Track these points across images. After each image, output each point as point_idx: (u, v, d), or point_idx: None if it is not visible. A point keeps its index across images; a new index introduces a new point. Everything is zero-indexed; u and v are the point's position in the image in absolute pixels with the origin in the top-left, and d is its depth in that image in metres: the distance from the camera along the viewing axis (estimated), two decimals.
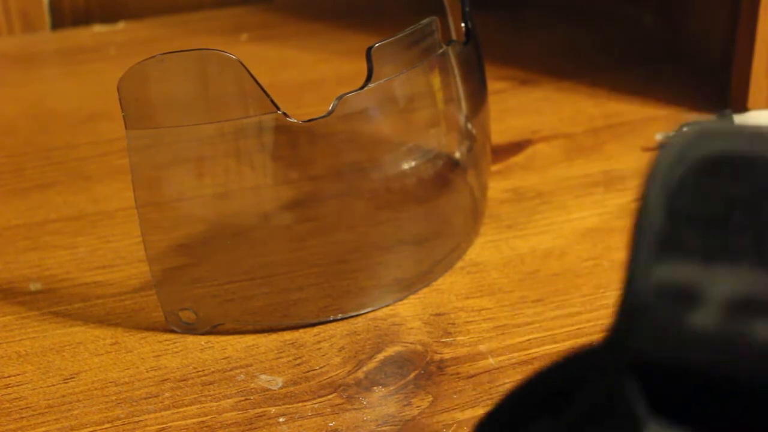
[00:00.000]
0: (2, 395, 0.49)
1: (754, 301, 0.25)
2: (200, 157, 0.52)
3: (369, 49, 0.49)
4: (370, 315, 0.54)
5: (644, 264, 0.25)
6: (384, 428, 0.47)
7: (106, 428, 0.47)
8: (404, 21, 0.52)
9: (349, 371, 0.50)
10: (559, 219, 0.60)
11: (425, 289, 0.55)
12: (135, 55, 0.50)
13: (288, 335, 0.52)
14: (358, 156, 0.55)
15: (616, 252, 0.58)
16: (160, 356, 0.51)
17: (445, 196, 0.58)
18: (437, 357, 0.51)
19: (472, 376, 0.50)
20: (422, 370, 0.50)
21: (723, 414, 0.26)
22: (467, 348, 0.51)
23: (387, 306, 0.54)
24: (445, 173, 0.58)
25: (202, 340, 0.52)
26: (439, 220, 0.58)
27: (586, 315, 0.53)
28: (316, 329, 0.53)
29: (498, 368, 0.50)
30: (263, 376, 0.50)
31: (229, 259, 0.55)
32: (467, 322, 0.53)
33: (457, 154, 0.58)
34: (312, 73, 0.79)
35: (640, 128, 0.69)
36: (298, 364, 0.50)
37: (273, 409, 0.48)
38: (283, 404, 0.48)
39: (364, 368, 0.50)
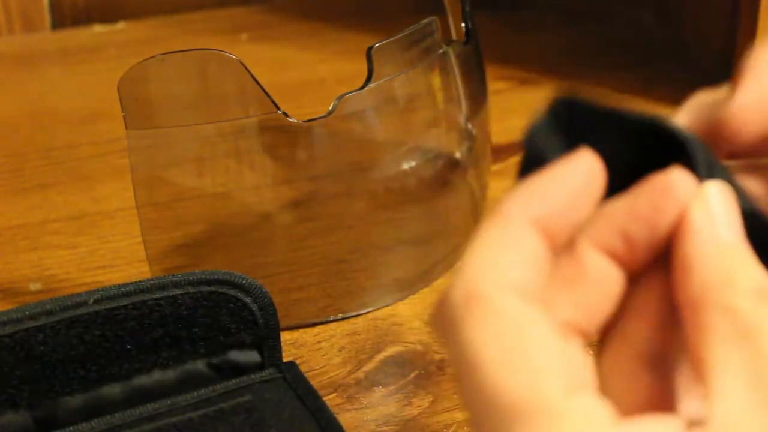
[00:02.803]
0: None
1: None
2: (200, 157, 0.52)
3: (369, 49, 0.49)
4: (370, 315, 0.53)
5: None
6: (384, 428, 0.47)
7: None
8: (404, 21, 0.52)
9: (350, 371, 0.50)
10: None
11: (425, 289, 0.55)
12: (135, 55, 0.50)
13: (288, 335, 0.52)
14: (358, 156, 0.55)
15: None
16: None
17: (445, 196, 0.58)
18: (437, 357, 0.51)
19: None
20: (422, 370, 0.50)
21: None
22: None
23: (387, 306, 0.54)
24: (445, 173, 0.58)
25: None
26: (439, 220, 0.58)
27: None
28: (316, 329, 0.53)
29: None
30: None
31: (229, 259, 0.55)
32: None
33: (457, 154, 0.58)
34: (312, 73, 0.79)
35: None
36: (299, 364, 0.50)
37: None
38: None
39: (365, 368, 0.50)
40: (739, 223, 0.27)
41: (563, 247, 0.27)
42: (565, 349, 0.26)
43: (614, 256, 0.27)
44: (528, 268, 0.27)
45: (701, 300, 0.26)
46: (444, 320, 0.27)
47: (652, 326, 0.27)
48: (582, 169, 0.27)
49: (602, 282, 0.27)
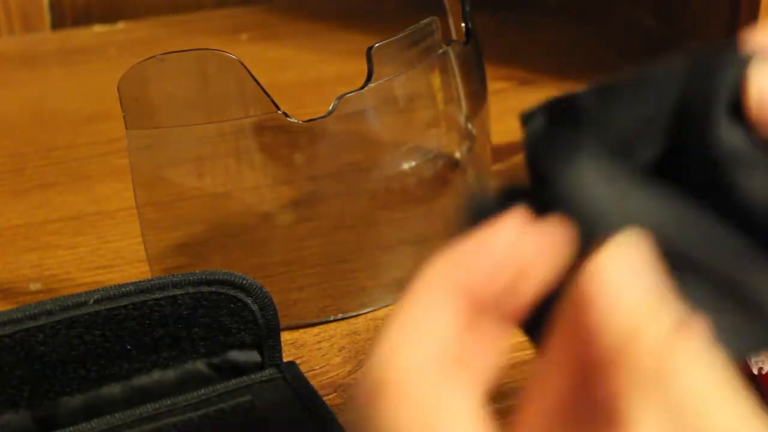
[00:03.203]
0: None
1: None
2: (200, 157, 0.52)
3: (369, 49, 0.49)
4: (371, 315, 0.53)
5: None
6: None
7: None
8: (404, 21, 0.52)
9: (350, 371, 0.50)
10: None
11: None
12: (135, 55, 0.50)
13: (288, 335, 0.52)
14: (358, 156, 0.55)
15: None
16: None
17: (445, 196, 0.58)
18: None
19: None
20: None
21: None
22: None
23: (387, 306, 0.54)
24: (445, 173, 0.58)
25: None
26: (439, 220, 0.58)
27: None
28: (316, 329, 0.53)
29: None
30: None
31: (229, 259, 0.55)
32: None
33: (457, 154, 0.58)
34: (312, 73, 0.79)
35: None
36: (299, 364, 0.50)
37: None
38: None
39: (365, 368, 0.50)
40: (645, 268, 0.26)
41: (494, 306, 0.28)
42: (478, 424, 0.26)
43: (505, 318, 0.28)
44: (442, 339, 0.27)
45: (611, 362, 0.25)
46: (358, 403, 0.27)
47: (566, 380, 0.27)
48: (508, 233, 0.28)
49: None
